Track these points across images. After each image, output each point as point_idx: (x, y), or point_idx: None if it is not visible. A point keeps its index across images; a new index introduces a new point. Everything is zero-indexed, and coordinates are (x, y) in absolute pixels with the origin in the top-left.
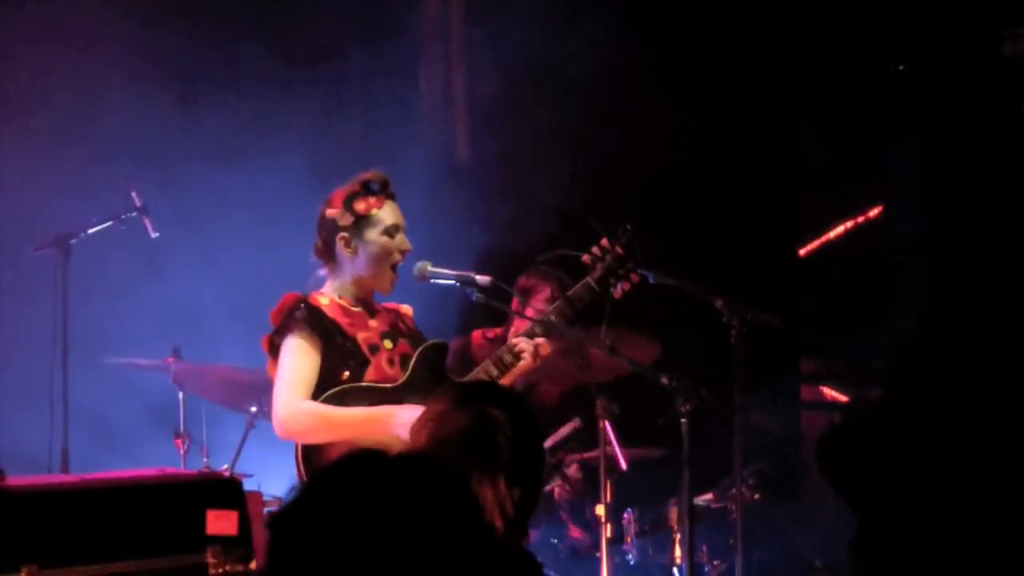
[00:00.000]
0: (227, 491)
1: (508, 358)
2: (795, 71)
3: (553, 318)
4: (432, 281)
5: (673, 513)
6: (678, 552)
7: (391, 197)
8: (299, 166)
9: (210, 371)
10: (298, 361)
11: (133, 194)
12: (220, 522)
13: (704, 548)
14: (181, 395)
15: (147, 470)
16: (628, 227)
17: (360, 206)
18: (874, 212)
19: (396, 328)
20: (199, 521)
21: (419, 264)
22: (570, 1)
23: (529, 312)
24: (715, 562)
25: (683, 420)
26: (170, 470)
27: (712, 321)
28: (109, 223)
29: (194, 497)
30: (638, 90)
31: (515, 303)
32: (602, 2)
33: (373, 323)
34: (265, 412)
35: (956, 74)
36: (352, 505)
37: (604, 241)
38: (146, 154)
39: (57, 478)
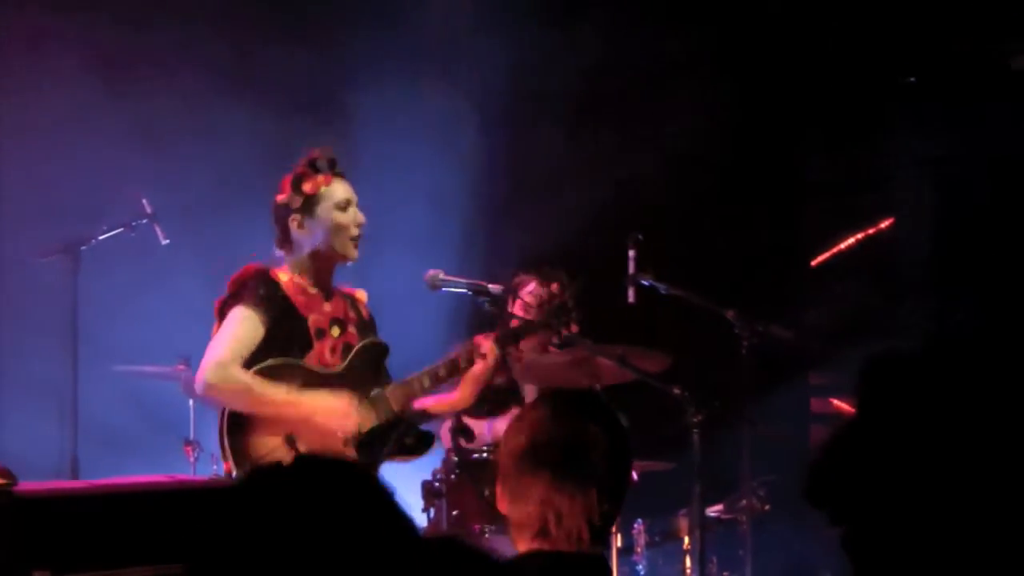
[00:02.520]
0: None
1: (463, 363)
2: (805, 82)
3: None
4: (444, 290)
5: (683, 524)
6: (688, 563)
7: (340, 175)
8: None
9: None
10: (242, 330)
11: (144, 201)
12: None
13: (714, 559)
14: (191, 403)
15: (159, 477)
16: (581, 279)
17: (307, 186)
18: (884, 224)
19: (347, 316)
20: None
21: (431, 273)
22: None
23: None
24: (725, 573)
25: (694, 431)
26: (181, 477)
27: (722, 333)
28: (119, 230)
29: (205, 504)
30: (649, 102)
31: (518, 308)
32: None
33: (327, 307)
34: None
35: (965, 87)
36: (272, 515)
37: (555, 286)
38: (158, 161)
39: (69, 483)
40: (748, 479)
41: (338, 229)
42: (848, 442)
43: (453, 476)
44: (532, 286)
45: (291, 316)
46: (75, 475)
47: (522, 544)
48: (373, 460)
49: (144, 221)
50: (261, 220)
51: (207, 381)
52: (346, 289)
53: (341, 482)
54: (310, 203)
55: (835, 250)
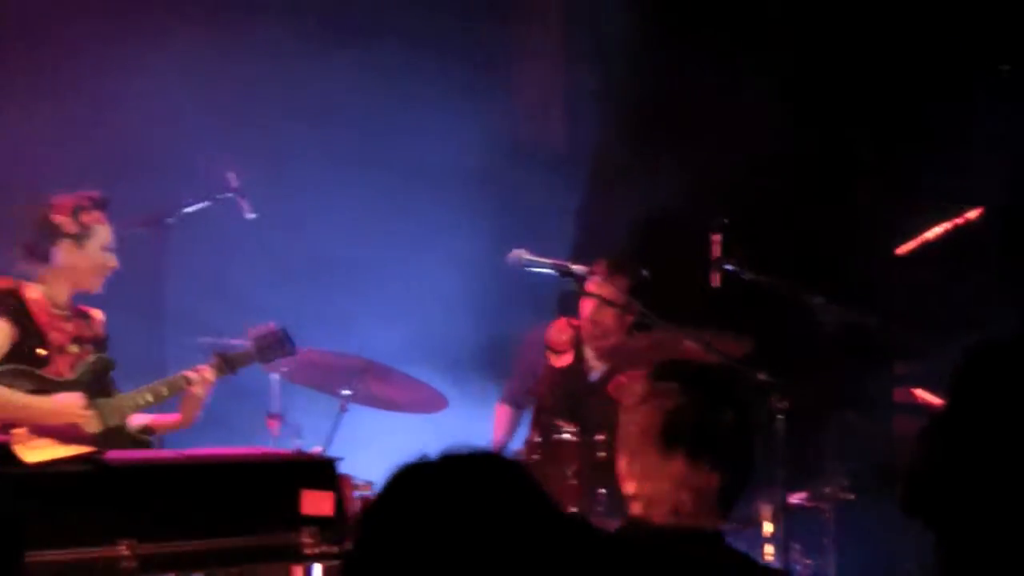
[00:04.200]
0: (323, 472)
1: (184, 384)
2: (896, 68)
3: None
4: (528, 269)
5: (764, 510)
6: (768, 549)
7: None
8: (397, 155)
9: (303, 354)
10: None
11: (230, 175)
12: (315, 503)
13: (796, 547)
14: (275, 376)
15: (245, 449)
16: (642, 274)
17: (86, 218)
18: (973, 213)
19: (84, 334)
20: (295, 501)
21: (515, 252)
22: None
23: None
24: (807, 561)
25: (778, 417)
26: (267, 450)
27: (807, 319)
28: (206, 203)
29: (290, 477)
30: (736, 88)
31: (607, 291)
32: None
33: (68, 326)
34: (357, 397)
35: None
36: (433, 503)
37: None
38: (244, 136)
39: (156, 453)
40: (832, 467)
41: (100, 268)
42: (944, 449)
43: (535, 457)
44: (597, 279)
45: (34, 333)
46: (160, 446)
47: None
48: None
49: (230, 194)
50: (347, 196)
51: None
52: (83, 308)
53: (489, 471)
54: (83, 236)
55: (922, 239)
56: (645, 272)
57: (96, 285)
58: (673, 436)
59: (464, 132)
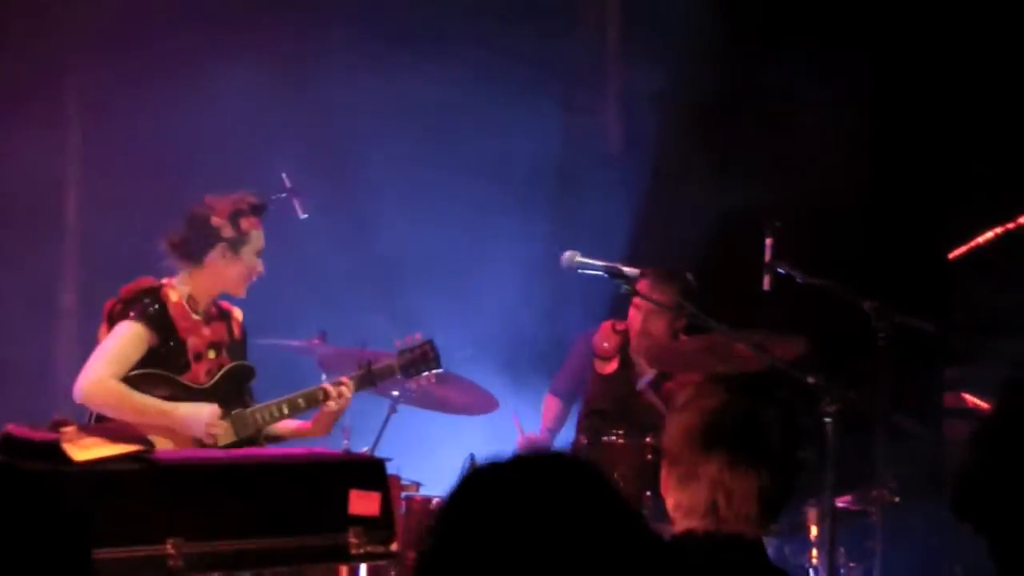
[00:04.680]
0: (371, 473)
1: (322, 397)
2: (950, 72)
3: None
4: (580, 271)
5: (811, 514)
6: (815, 553)
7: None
8: (443, 152)
9: (353, 355)
10: (127, 345)
11: (283, 175)
12: (363, 503)
13: (842, 550)
14: (325, 377)
15: (293, 449)
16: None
17: (244, 223)
18: None
19: (223, 339)
20: (342, 501)
21: (568, 253)
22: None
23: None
24: (852, 564)
25: (828, 420)
26: (315, 450)
27: (859, 323)
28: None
29: (338, 477)
30: (788, 90)
31: (659, 296)
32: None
33: (206, 331)
34: (409, 398)
35: None
36: (503, 511)
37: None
38: (300, 137)
39: (205, 453)
40: (880, 471)
41: (250, 274)
42: (995, 452)
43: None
44: (645, 284)
45: (173, 338)
46: None
47: (684, 525)
48: None
49: (283, 195)
50: (408, 197)
51: (85, 392)
52: (224, 305)
53: (563, 472)
54: (239, 241)
55: (974, 243)
56: (691, 278)
57: (242, 290)
58: (712, 436)
59: (525, 132)
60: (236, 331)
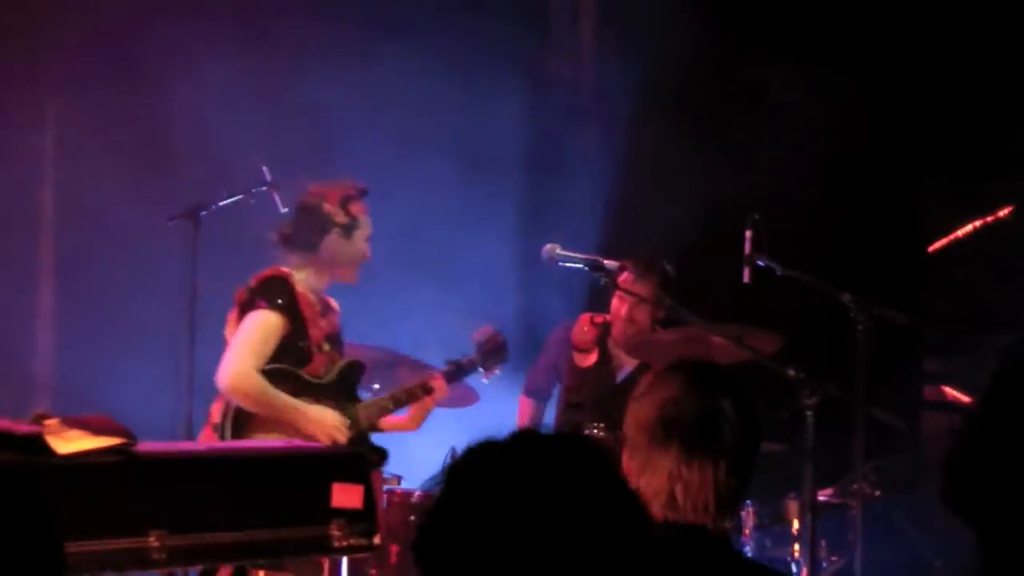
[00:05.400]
0: (353, 465)
1: (420, 392)
2: (926, 65)
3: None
4: (560, 264)
5: (792, 507)
6: (796, 546)
7: None
8: (419, 144)
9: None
10: (267, 336)
11: (264, 169)
12: (345, 496)
13: (823, 543)
14: None
15: (275, 442)
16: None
17: (354, 208)
18: (1004, 211)
19: (334, 332)
20: (325, 494)
21: (548, 247)
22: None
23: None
24: (833, 558)
25: (808, 413)
26: (298, 443)
27: (838, 316)
28: (239, 196)
29: (321, 470)
30: (768, 84)
31: (641, 288)
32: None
33: (323, 322)
34: (387, 388)
35: None
36: (504, 485)
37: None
38: (279, 128)
39: (187, 445)
40: (860, 464)
41: (362, 256)
42: (983, 443)
43: None
44: (625, 276)
45: (301, 328)
46: (190, 437)
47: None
48: None
49: (264, 188)
50: (380, 195)
51: (231, 385)
52: (325, 298)
53: (563, 449)
54: (351, 226)
55: (952, 236)
56: (670, 268)
57: (354, 276)
58: (668, 427)
59: (501, 125)
60: (338, 323)
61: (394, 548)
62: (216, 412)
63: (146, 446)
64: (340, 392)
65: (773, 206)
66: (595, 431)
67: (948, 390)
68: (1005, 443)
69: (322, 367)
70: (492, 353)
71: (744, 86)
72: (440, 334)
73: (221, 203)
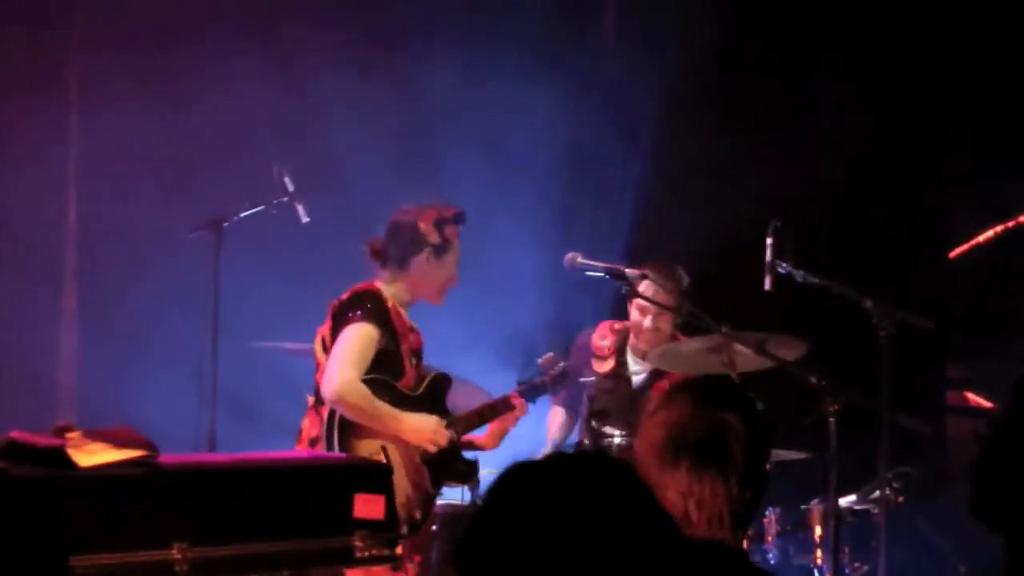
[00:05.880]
0: (375, 476)
1: (502, 408)
2: (952, 72)
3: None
4: (583, 272)
5: (815, 514)
6: (819, 553)
7: None
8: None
9: None
10: (366, 347)
11: (286, 179)
12: (367, 506)
13: (846, 550)
14: None
15: (297, 452)
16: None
17: (448, 231)
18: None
19: (420, 347)
20: (347, 505)
21: (570, 254)
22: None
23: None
24: (856, 564)
25: (830, 420)
26: (320, 454)
27: (860, 322)
28: (261, 207)
29: (343, 481)
30: (792, 92)
31: (663, 297)
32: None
33: (411, 337)
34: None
35: None
36: (540, 507)
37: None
38: (301, 140)
39: (210, 457)
40: (883, 470)
41: (450, 279)
42: (1009, 452)
43: None
44: (646, 285)
45: (394, 341)
46: (212, 448)
47: None
48: (436, 481)
49: (285, 199)
50: (395, 201)
51: (340, 394)
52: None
53: (601, 472)
54: (444, 248)
55: (974, 242)
56: (684, 274)
57: (440, 298)
58: (677, 448)
59: (525, 132)
60: (421, 341)
61: (416, 558)
62: (309, 427)
63: (168, 458)
64: (431, 405)
65: (796, 211)
66: (615, 438)
67: (971, 395)
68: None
69: (412, 380)
70: (558, 377)
71: (770, 92)
72: (465, 341)
73: (243, 214)
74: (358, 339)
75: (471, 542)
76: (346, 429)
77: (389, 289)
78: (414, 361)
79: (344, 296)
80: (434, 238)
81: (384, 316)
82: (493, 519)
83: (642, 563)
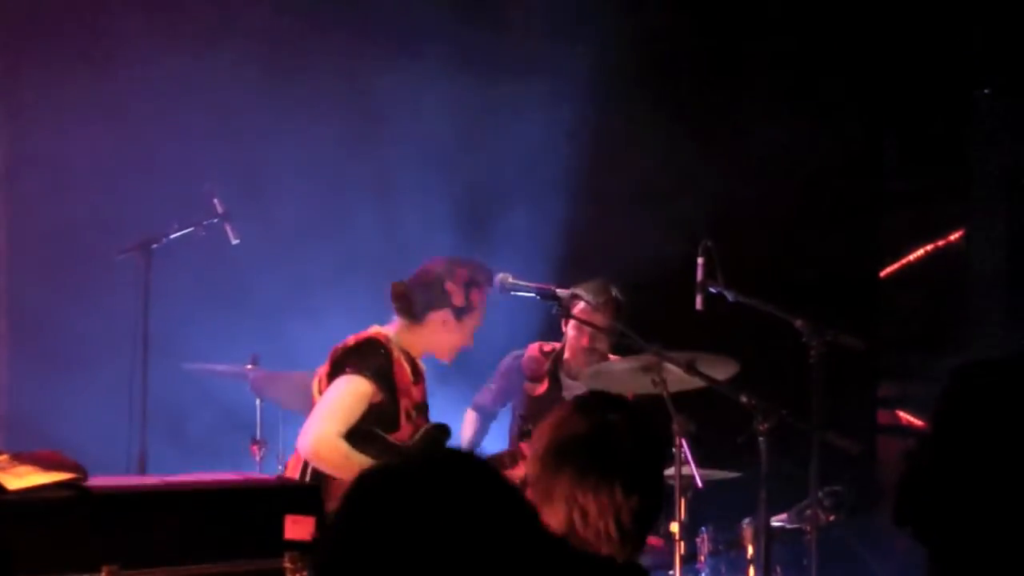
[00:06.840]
0: (306, 497)
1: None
2: (880, 94)
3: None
4: (512, 293)
5: (748, 533)
6: (751, 572)
7: None
8: (376, 173)
9: (287, 378)
10: (354, 403)
11: (215, 201)
12: (298, 528)
13: (778, 569)
14: (259, 402)
15: (228, 474)
16: (620, 299)
17: (475, 295)
18: (955, 236)
19: (424, 400)
20: (277, 527)
21: (500, 275)
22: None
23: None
24: None
25: (761, 439)
26: (251, 475)
27: (791, 342)
28: (191, 229)
29: (274, 503)
30: (725, 113)
31: (599, 318)
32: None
33: (415, 391)
34: None
35: None
36: (398, 513)
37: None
38: (230, 162)
39: (139, 479)
40: (814, 489)
41: (463, 344)
42: (934, 460)
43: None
44: (581, 306)
45: (392, 397)
46: (142, 470)
47: None
48: None
49: (215, 220)
50: (334, 224)
51: (314, 450)
52: (417, 362)
53: (463, 472)
54: (466, 310)
55: (904, 261)
56: (617, 293)
57: (450, 358)
58: (560, 455)
59: (452, 153)
60: (425, 391)
61: None
62: (291, 468)
63: (98, 480)
64: None
65: (727, 231)
66: None
67: (902, 414)
68: (953, 462)
69: (408, 435)
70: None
71: (700, 111)
72: None
73: (173, 235)
74: (348, 394)
75: (326, 552)
76: (318, 481)
77: (398, 338)
78: (413, 415)
79: (349, 342)
80: (459, 300)
81: (384, 371)
82: (345, 527)
83: (507, 561)
